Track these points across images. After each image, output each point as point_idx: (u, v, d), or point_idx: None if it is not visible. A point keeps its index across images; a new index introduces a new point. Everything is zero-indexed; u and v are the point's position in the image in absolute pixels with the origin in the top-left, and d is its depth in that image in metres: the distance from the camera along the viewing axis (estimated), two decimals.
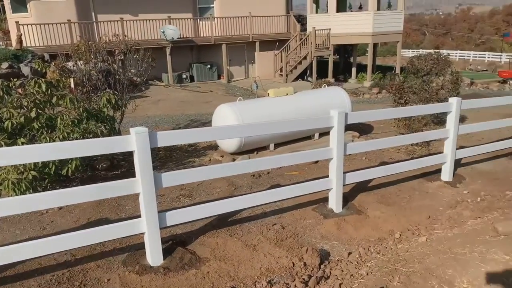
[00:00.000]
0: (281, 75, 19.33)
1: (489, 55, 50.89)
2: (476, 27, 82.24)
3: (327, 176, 4.72)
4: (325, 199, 4.89)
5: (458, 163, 6.26)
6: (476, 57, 51.02)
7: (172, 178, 3.64)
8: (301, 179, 5.93)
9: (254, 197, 4.19)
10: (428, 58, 9.41)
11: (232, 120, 7.16)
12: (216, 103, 9.76)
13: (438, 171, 5.97)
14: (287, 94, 8.20)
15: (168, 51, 17.88)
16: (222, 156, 7.32)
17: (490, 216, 4.19)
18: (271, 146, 7.79)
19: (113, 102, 6.31)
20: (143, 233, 3.55)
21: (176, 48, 18.19)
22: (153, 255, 3.58)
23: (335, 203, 4.74)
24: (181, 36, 18.40)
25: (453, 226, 4.19)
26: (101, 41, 8.88)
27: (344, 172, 4.76)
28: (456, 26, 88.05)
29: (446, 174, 5.86)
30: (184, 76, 18.83)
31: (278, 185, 5.62)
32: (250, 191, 5.44)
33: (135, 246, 3.92)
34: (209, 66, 19.70)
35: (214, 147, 7.94)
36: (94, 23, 17.28)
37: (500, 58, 46.20)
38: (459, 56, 49.29)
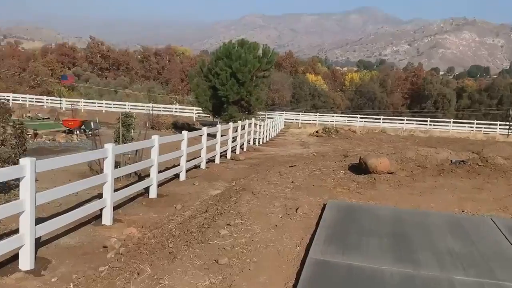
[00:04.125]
0: None
1: (48, 99, 44.35)
2: (29, 66, 66.61)
3: None
4: None
5: (39, 242, 5.07)
6: (33, 101, 43.39)
7: None
8: None
9: None
10: None
11: None
12: None
13: (15, 258, 4.60)
14: None
15: None
16: None
17: None
18: None
19: None
20: None
21: None
22: None
23: None
24: None
25: None
26: None
27: None
28: (4, 62, 67.27)
29: (27, 261, 4.57)
30: None
31: None
32: None
33: None
34: None
35: None
36: None
37: (61, 104, 40.74)
38: (13, 99, 39.68)
